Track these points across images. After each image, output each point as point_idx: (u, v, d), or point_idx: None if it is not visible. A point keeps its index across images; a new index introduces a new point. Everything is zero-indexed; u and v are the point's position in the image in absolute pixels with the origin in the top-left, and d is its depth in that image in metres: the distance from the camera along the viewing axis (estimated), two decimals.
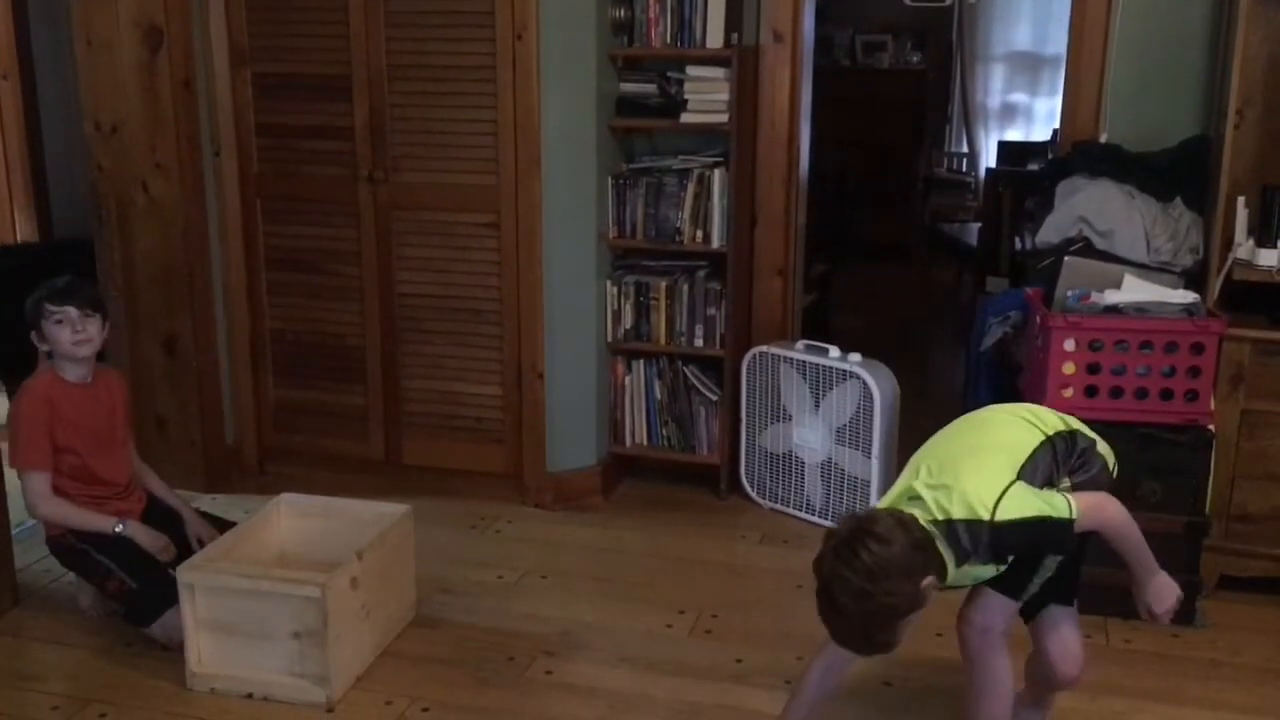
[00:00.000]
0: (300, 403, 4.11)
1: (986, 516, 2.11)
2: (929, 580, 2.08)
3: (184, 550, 3.05)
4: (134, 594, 2.98)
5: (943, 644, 3.06)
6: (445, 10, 3.65)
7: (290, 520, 3.20)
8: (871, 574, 2.03)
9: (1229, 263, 3.20)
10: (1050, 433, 2.30)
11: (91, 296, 3.12)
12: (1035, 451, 2.25)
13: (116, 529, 3.02)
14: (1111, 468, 2.40)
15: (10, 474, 3.24)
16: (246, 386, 4.09)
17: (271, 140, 3.92)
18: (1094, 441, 2.37)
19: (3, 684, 2.88)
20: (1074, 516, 2.16)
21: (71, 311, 3.02)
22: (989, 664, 2.35)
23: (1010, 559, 2.22)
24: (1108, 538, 2.25)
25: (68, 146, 4.85)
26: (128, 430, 3.24)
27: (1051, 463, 2.27)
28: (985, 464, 2.20)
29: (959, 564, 2.15)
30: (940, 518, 2.13)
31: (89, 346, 3.06)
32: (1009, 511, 2.11)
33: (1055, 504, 2.16)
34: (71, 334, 3.02)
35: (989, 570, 2.23)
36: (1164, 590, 2.34)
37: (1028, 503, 2.13)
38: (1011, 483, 2.15)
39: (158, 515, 3.17)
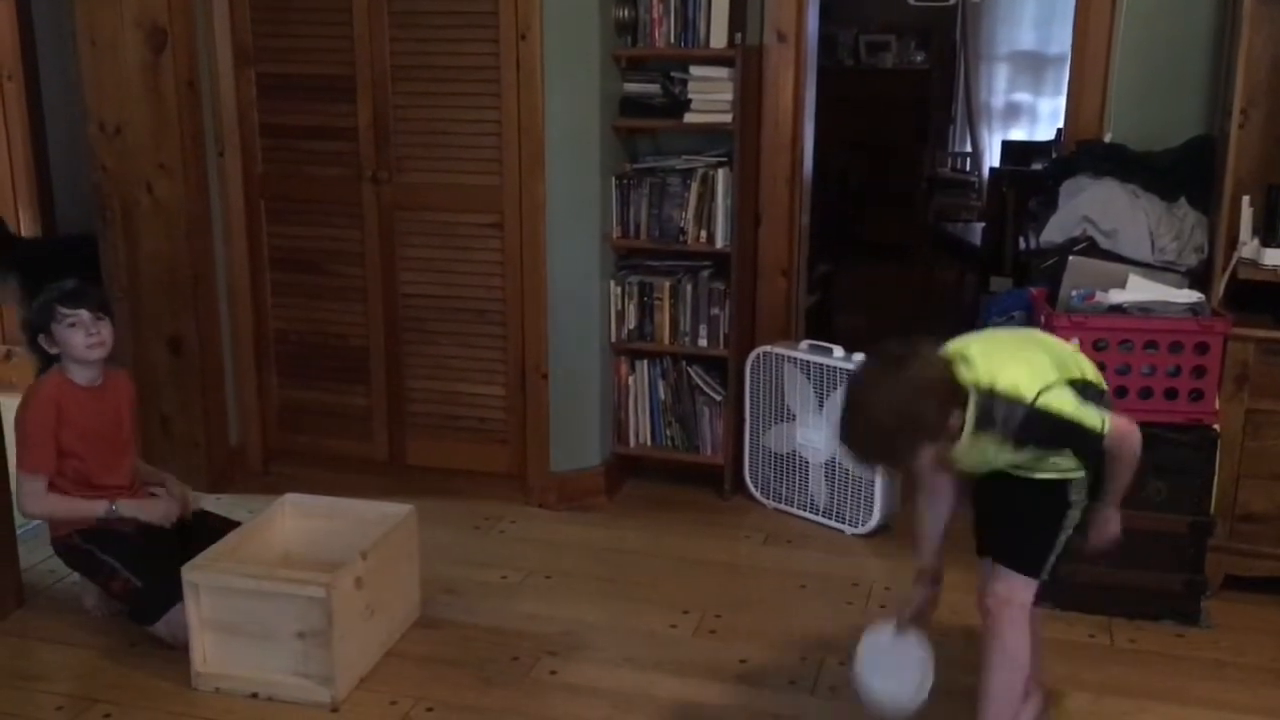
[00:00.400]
0: (304, 403, 4.11)
1: (1029, 398, 2.16)
2: (954, 419, 2.15)
3: (183, 545, 3.03)
4: (139, 592, 2.98)
5: (947, 644, 3.06)
6: (449, 11, 3.65)
7: (294, 520, 3.20)
8: (912, 385, 2.11)
9: (1234, 262, 3.19)
10: (1092, 379, 2.33)
11: (101, 299, 3.13)
12: (1078, 379, 2.28)
13: (110, 509, 3.03)
14: None
15: (15, 474, 3.25)
16: (251, 387, 4.10)
17: (275, 140, 3.92)
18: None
19: (7, 684, 2.89)
20: (1105, 431, 2.20)
21: (84, 315, 3.02)
22: (1007, 637, 2.39)
23: (1020, 455, 2.26)
24: (1115, 460, 2.28)
25: (71, 147, 4.85)
26: (133, 432, 3.24)
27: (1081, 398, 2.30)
28: (1034, 361, 2.25)
29: (976, 429, 2.19)
30: (984, 383, 2.18)
31: (102, 349, 3.06)
32: (1049, 403, 2.17)
33: (1091, 414, 2.20)
34: (85, 337, 3.02)
35: (999, 455, 2.26)
36: (1113, 524, 2.39)
37: (1067, 403, 2.19)
38: (1057, 381, 2.21)
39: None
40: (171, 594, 2.89)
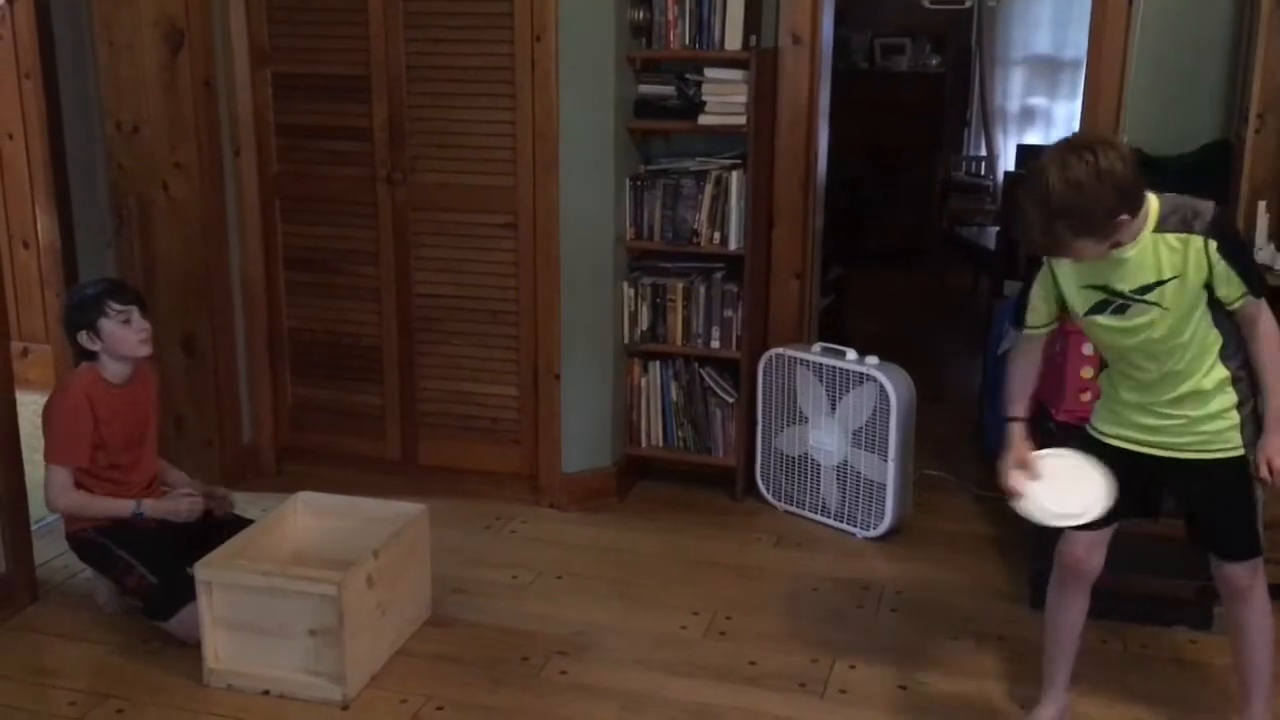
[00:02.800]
0: (317, 402, 4.12)
1: (1212, 204, 2.23)
2: (1124, 219, 2.15)
3: (195, 545, 3.03)
4: (154, 589, 3.00)
5: (955, 648, 3.05)
6: (464, 12, 3.66)
7: (307, 519, 3.21)
8: (1097, 171, 2.09)
9: None
10: None
11: (141, 296, 3.16)
12: None
13: (135, 510, 3.04)
14: None
15: (31, 471, 3.27)
16: (264, 385, 4.11)
17: (290, 140, 3.94)
18: None
19: (21, 679, 2.91)
20: (1260, 294, 2.28)
21: (135, 310, 3.04)
22: (1265, 604, 2.48)
23: (1185, 332, 2.29)
24: (1266, 343, 2.31)
25: (89, 146, 4.87)
26: (158, 427, 3.27)
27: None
28: None
29: (1160, 227, 2.22)
30: (1170, 195, 2.24)
31: (150, 344, 3.09)
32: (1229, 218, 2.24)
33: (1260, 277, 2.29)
34: (137, 332, 3.04)
35: (1165, 321, 2.28)
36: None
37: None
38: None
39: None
40: (186, 591, 2.90)
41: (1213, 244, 2.22)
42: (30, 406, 3.37)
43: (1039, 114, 8.12)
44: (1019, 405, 2.58)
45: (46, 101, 4.76)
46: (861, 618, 3.23)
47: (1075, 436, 3.06)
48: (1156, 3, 3.47)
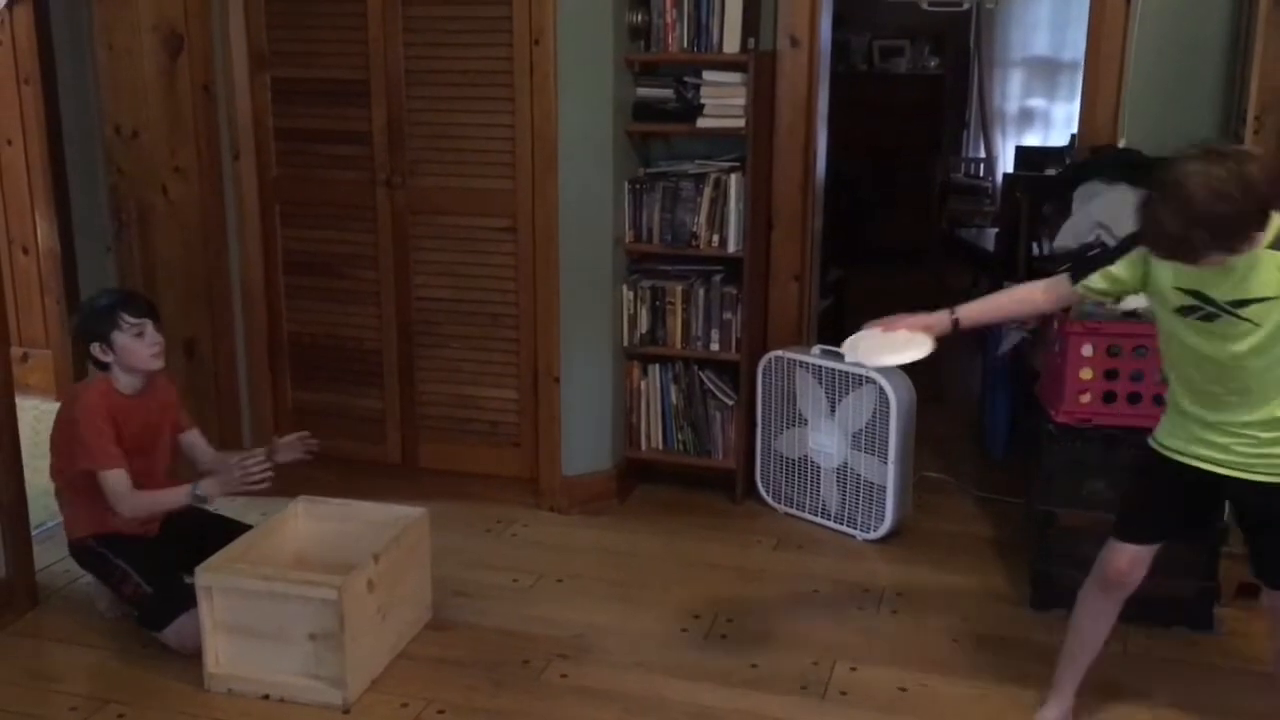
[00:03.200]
0: (317, 406, 4.12)
1: None
2: (1259, 234, 2.09)
3: (197, 547, 3.02)
4: (148, 598, 3.00)
5: (956, 650, 3.06)
6: (463, 16, 3.67)
7: (307, 523, 3.21)
8: (1242, 183, 2.04)
9: None
10: None
11: (155, 308, 3.13)
12: None
13: (194, 494, 2.98)
14: None
15: (31, 476, 3.27)
16: (264, 389, 4.11)
17: (290, 144, 3.94)
18: None
19: (22, 684, 2.91)
20: None
21: (149, 324, 3.03)
22: None
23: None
24: None
25: (88, 151, 4.88)
26: (180, 428, 3.23)
27: None
28: None
29: (1276, 243, 2.14)
30: None
31: (162, 358, 3.07)
32: None
33: None
34: (149, 345, 3.03)
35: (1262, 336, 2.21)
36: None
37: None
38: None
39: (181, 524, 3.15)
40: (181, 601, 2.90)
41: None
42: (30, 412, 3.38)
43: (1038, 115, 8.13)
44: (971, 308, 2.61)
45: (46, 107, 4.77)
46: (862, 619, 3.23)
47: (1076, 438, 3.07)
48: (1154, 3, 3.48)
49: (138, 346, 3.01)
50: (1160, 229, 2.13)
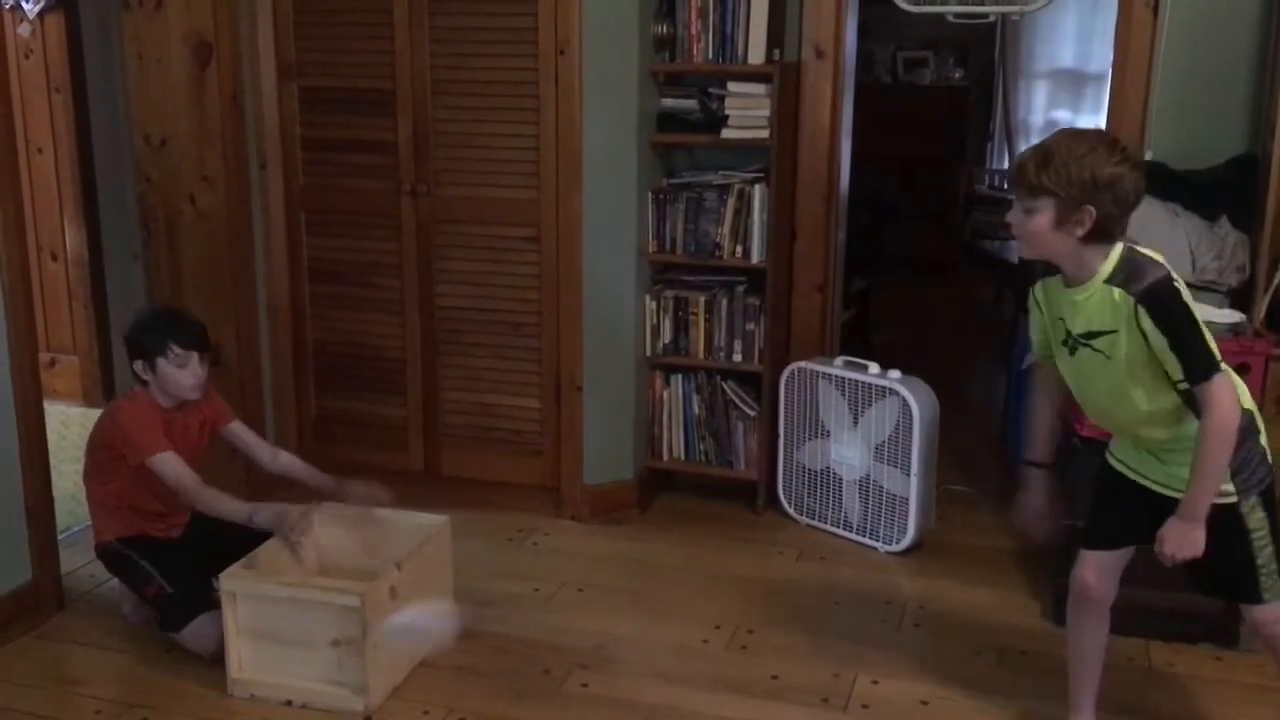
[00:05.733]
0: (341, 413, 4.14)
1: (1168, 271, 2.19)
2: (1088, 211, 2.15)
3: (223, 557, 3.03)
4: (168, 599, 3.01)
5: (978, 663, 3.04)
6: (489, 26, 3.69)
7: (330, 530, 3.22)
8: (1103, 157, 2.14)
9: (1275, 282, 3.16)
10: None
11: (207, 338, 3.13)
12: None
13: (252, 518, 2.95)
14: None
15: (58, 481, 3.30)
16: (288, 397, 4.14)
17: (316, 154, 3.97)
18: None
19: (47, 687, 2.93)
20: (1219, 367, 2.18)
21: (195, 357, 3.04)
22: None
23: (1139, 382, 2.24)
24: (1203, 434, 2.20)
25: (116, 159, 4.93)
26: (221, 423, 3.23)
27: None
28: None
29: (1109, 280, 2.20)
30: (1137, 249, 2.23)
31: (200, 390, 3.09)
32: (1182, 290, 2.18)
33: (1212, 342, 2.20)
34: (192, 378, 3.04)
35: (1090, 318, 2.25)
36: (1185, 539, 2.25)
37: (1196, 309, 2.19)
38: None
39: (205, 528, 3.14)
40: (199, 603, 2.91)
41: (1142, 310, 2.16)
42: (57, 417, 3.41)
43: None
44: (1038, 447, 2.58)
45: (76, 115, 4.82)
46: (884, 632, 3.22)
47: (1100, 452, 3.05)
48: (1182, 16, 3.46)
49: (180, 377, 3.03)
50: (1019, 162, 2.25)
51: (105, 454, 3.10)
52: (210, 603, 2.95)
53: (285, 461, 3.29)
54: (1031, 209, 2.22)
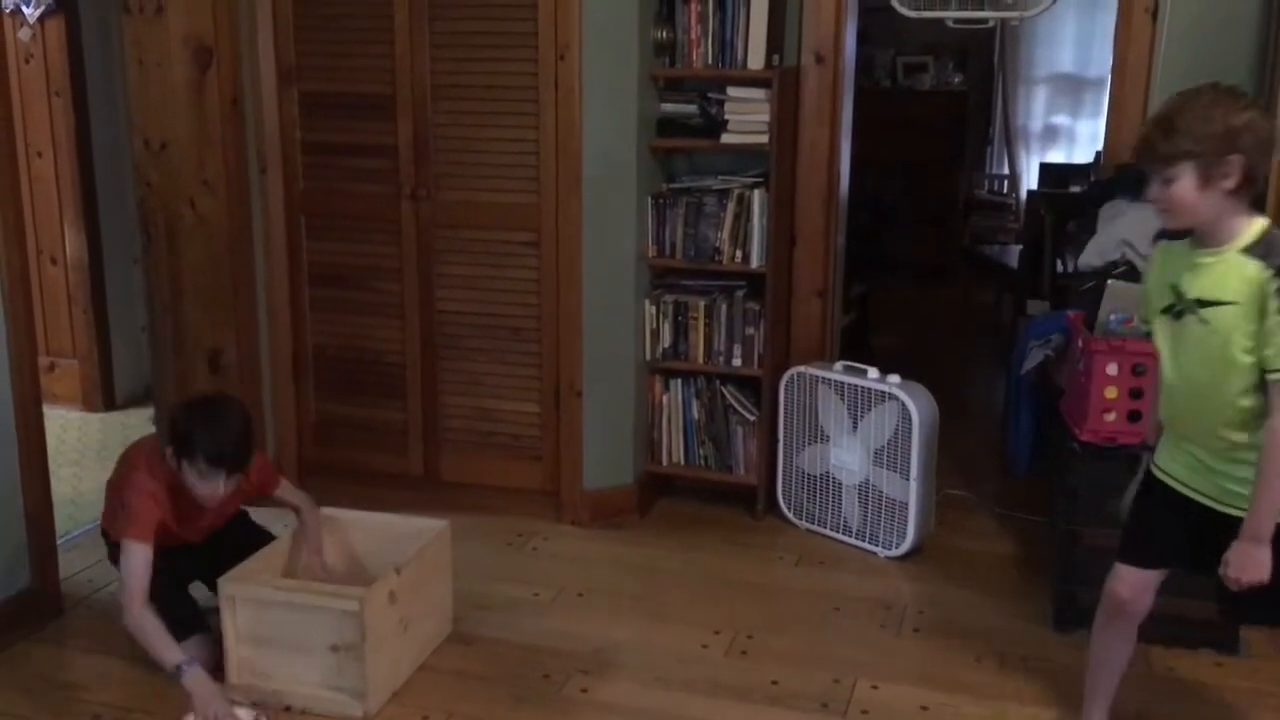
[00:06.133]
0: (341, 418, 4.14)
1: None
2: (1232, 162, 2.07)
3: (219, 557, 2.99)
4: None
5: (978, 669, 3.04)
6: (489, 31, 3.69)
7: (329, 534, 3.22)
8: (1242, 111, 2.08)
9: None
10: None
11: (244, 461, 2.90)
12: None
13: (179, 668, 2.73)
14: None
15: (57, 485, 3.30)
16: (288, 401, 4.14)
17: (316, 158, 3.97)
18: None
19: (46, 693, 2.92)
20: None
21: (222, 478, 2.84)
22: None
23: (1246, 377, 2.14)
24: (1269, 434, 2.11)
25: (116, 164, 4.93)
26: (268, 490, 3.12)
27: None
28: None
29: (1246, 249, 2.11)
30: None
31: (215, 500, 2.91)
32: None
33: None
34: (210, 492, 2.85)
35: (1232, 345, 2.14)
36: (1250, 562, 2.16)
37: None
38: None
39: (212, 551, 3.08)
40: (184, 627, 2.88)
41: (1274, 283, 2.05)
42: (56, 421, 3.41)
43: (1062, 132, 8.11)
44: (1155, 429, 2.46)
45: (76, 119, 4.83)
46: (884, 638, 3.21)
47: (1100, 457, 3.06)
48: (1181, 20, 3.47)
49: (199, 488, 2.84)
50: (1153, 118, 2.17)
51: (116, 501, 3.00)
52: (204, 624, 2.94)
53: (309, 520, 3.15)
54: (1170, 178, 2.11)
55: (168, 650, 2.76)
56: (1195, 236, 2.20)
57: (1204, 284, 2.17)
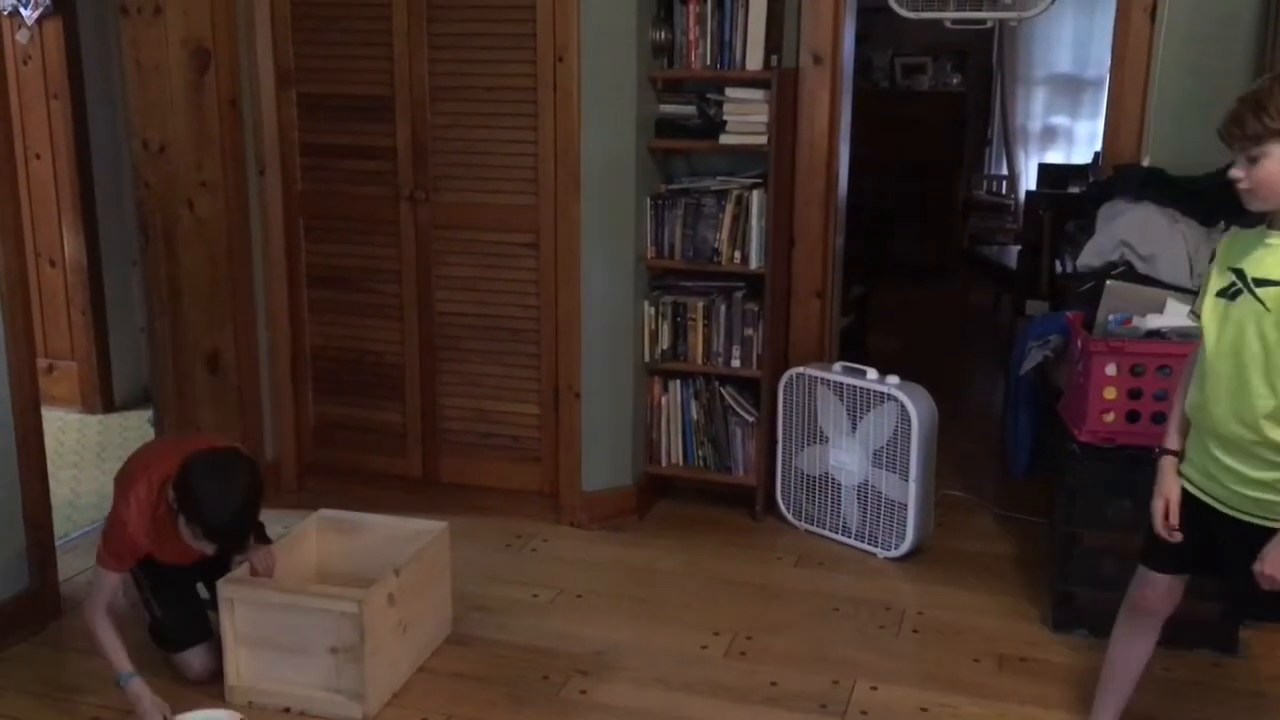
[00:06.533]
0: (339, 419, 4.14)
1: None
2: None
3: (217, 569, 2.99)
4: (158, 621, 2.99)
5: (977, 670, 3.04)
6: (488, 33, 3.69)
7: (328, 536, 3.22)
8: None
9: None
10: None
11: (242, 542, 2.84)
12: None
13: (124, 679, 2.75)
14: None
15: (55, 487, 3.29)
16: (287, 402, 4.14)
17: (314, 160, 3.97)
18: None
19: (44, 695, 2.92)
20: None
21: (210, 549, 2.77)
22: None
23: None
24: None
25: (115, 165, 4.93)
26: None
27: None
28: None
29: None
30: None
31: (206, 553, 2.83)
32: None
33: None
34: (199, 548, 2.76)
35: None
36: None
37: None
38: None
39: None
40: (187, 634, 2.88)
41: None
42: (55, 423, 3.40)
43: (1060, 133, 8.12)
44: (1173, 434, 2.39)
45: (74, 121, 4.83)
46: (883, 638, 3.21)
47: (1099, 457, 3.05)
48: (1180, 22, 3.47)
49: (191, 541, 2.74)
50: (1245, 95, 2.18)
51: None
52: (206, 630, 2.94)
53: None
54: (1257, 156, 2.11)
55: (116, 658, 2.77)
56: (1270, 219, 2.19)
57: (1269, 264, 2.15)
